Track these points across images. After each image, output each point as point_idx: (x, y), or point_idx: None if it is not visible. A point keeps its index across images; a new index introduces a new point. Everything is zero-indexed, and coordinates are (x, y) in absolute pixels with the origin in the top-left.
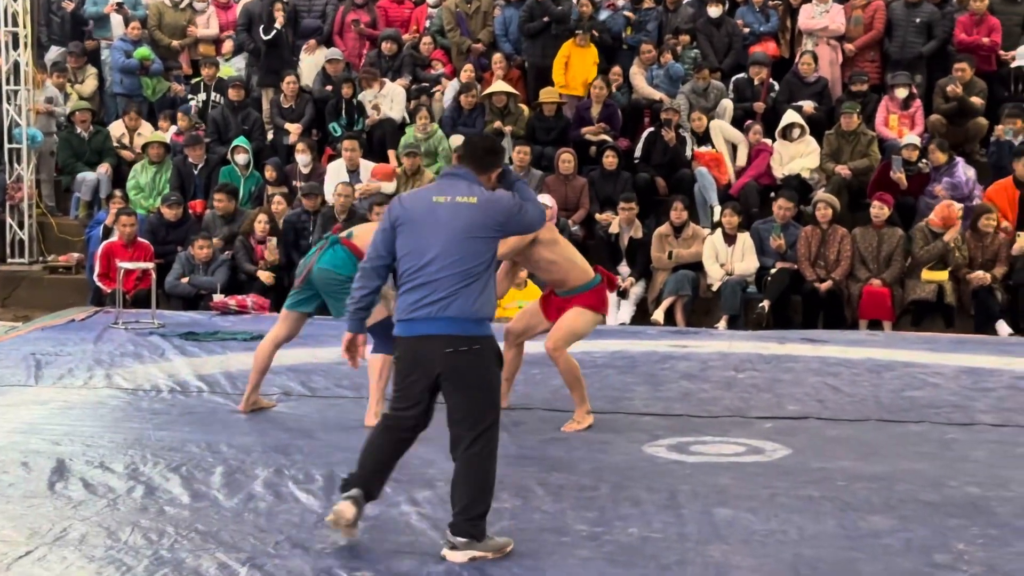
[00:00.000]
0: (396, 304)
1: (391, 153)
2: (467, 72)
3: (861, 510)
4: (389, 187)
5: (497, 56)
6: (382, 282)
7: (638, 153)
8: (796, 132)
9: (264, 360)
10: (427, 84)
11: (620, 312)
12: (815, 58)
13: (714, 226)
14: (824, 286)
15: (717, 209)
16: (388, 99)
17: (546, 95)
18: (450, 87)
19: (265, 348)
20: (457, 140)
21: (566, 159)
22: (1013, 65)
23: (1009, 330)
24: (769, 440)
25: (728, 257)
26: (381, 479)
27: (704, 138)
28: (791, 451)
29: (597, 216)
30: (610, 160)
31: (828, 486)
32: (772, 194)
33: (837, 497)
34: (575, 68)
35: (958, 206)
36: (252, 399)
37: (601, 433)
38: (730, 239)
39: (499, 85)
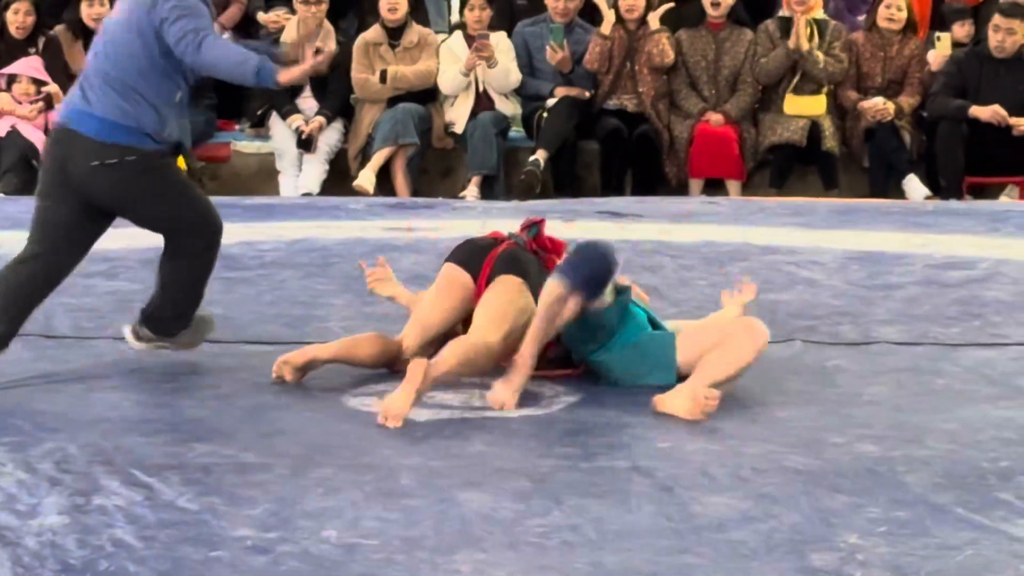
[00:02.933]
0: None
1: None
2: None
3: (692, 488)
4: None
5: None
6: None
7: None
8: None
9: None
10: None
11: (304, 175)
12: None
13: (453, 28)
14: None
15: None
16: None
17: None
18: None
19: None
20: None
21: None
22: None
23: (924, 191)
24: (549, 382)
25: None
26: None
27: None
28: (581, 396)
29: (261, 17)
30: None
31: (641, 449)
32: None
33: (656, 468)
34: None
35: None
36: None
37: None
38: None
39: None
